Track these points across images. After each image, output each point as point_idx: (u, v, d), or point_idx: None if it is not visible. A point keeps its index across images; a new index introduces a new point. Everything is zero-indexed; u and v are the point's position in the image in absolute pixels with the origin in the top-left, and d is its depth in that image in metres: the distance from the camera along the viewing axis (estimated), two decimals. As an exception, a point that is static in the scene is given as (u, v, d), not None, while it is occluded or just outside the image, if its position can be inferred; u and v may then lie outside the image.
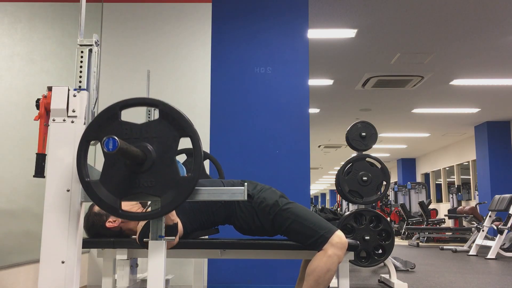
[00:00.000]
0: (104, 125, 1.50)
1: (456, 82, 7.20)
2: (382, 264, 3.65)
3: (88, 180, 1.48)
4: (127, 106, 1.52)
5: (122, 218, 1.50)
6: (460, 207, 9.64)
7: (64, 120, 1.58)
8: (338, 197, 18.90)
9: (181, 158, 2.85)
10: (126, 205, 2.05)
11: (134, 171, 1.48)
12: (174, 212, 1.76)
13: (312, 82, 6.84)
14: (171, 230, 1.62)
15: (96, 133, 1.49)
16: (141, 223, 1.90)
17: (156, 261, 1.52)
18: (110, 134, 1.32)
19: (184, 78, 3.66)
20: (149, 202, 1.62)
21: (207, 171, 3.28)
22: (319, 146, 13.37)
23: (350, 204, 11.55)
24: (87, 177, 1.48)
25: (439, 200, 14.44)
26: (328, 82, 7.17)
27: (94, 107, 1.65)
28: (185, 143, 1.62)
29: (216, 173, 3.03)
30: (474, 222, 8.35)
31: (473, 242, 6.90)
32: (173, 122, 1.49)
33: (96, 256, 3.32)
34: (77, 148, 1.50)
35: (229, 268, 3.45)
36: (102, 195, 1.47)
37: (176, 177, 1.47)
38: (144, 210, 1.90)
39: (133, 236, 2.01)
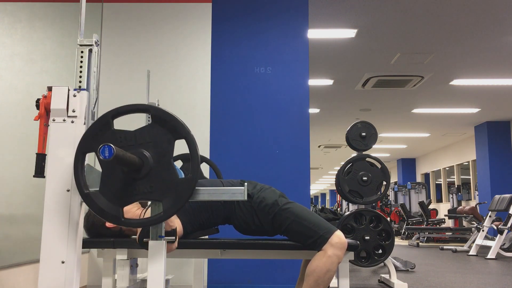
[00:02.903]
0: (97, 135, 1.49)
1: (456, 82, 7.20)
2: (382, 264, 3.65)
3: (87, 192, 1.48)
4: (119, 114, 1.51)
5: (125, 226, 1.49)
6: (460, 207, 9.64)
7: (64, 120, 1.58)
8: (338, 197, 18.90)
9: (178, 165, 2.84)
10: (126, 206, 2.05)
11: (132, 178, 1.47)
12: (173, 218, 1.76)
13: (312, 82, 6.84)
14: (169, 235, 1.59)
15: (91, 144, 1.49)
16: None
17: (156, 261, 1.52)
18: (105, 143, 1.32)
19: (184, 78, 3.66)
20: (149, 202, 1.62)
21: (207, 175, 3.27)
22: (319, 146, 13.37)
23: (350, 204, 11.55)
24: (86, 189, 1.48)
25: (439, 200, 14.44)
26: (328, 82, 7.17)
27: (94, 107, 1.65)
28: (179, 149, 1.61)
29: (215, 177, 3.02)
30: (474, 222, 8.35)
31: (473, 242, 6.90)
32: (166, 125, 1.48)
33: (96, 256, 3.32)
34: (73, 161, 1.49)
35: (229, 268, 3.45)
36: (103, 205, 1.47)
37: (174, 180, 1.47)
38: (144, 211, 1.90)
39: (133, 236, 2.01)
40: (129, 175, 1.47)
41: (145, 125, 1.52)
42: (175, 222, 1.89)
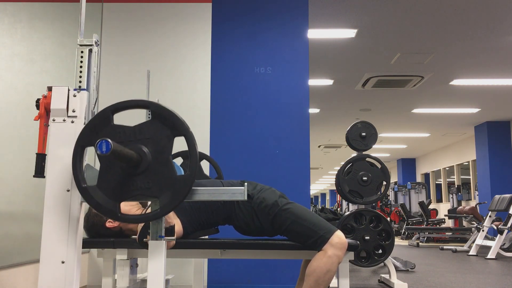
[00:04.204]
0: (97, 129, 1.49)
1: (456, 82, 7.20)
2: (382, 264, 3.65)
3: (85, 186, 1.48)
4: (119, 109, 1.51)
5: (121, 222, 1.49)
6: (460, 207, 9.63)
7: (64, 120, 1.58)
8: (338, 197, 18.90)
9: (178, 163, 2.83)
10: (126, 205, 2.05)
11: (130, 174, 1.47)
12: (171, 214, 1.75)
13: (312, 82, 6.84)
14: (167, 232, 1.59)
15: (89, 138, 1.48)
16: (141, 223, 1.89)
17: (156, 261, 1.52)
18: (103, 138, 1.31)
19: (184, 78, 3.66)
20: (149, 202, 1.62)
21: (207, 173, 3.28)
22: (319, 146, 13.37)
23: (350, 204, 11.55)
24: (84, 183, 1.48)
25: (439, 200, 14.44)
26: (328, 82, 7.17)
27: (94, 107, 1.65)
28: (180, 145, 1.61)
29: (215, 177, 3.02)
30: (474, 222, 8.35)
31: (473, 242, 6.90)
32: (165, 122, 1.48)
33: (96, 256, 3.32)
34: (72, 154, 1.49)
35: (229, 268, 3.45)
36: (100, 199, 1.46)
37: (172, 177, 1.46)
38: (144, 211, 1.90)
39: (133, 236, 2.01)
40: (127, 171, 1.47)
41: (145, 121, 1.52)
42: (174, 221, 1.89)
